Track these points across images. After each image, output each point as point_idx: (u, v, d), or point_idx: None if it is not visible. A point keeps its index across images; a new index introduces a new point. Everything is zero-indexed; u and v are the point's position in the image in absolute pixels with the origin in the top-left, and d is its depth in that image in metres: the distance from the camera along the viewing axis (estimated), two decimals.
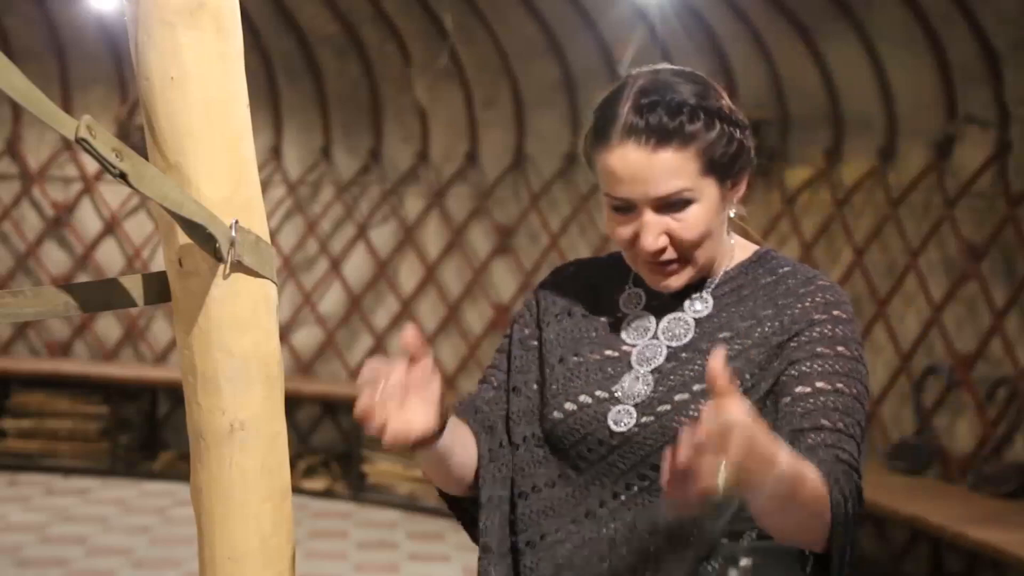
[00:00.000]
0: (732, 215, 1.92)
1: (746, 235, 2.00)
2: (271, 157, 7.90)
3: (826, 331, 1.84)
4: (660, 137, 1.82)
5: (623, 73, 1.95)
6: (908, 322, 6.08)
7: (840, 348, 1.83)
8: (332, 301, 7.93)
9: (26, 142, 8.21)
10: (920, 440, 5.87)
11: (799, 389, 1.80)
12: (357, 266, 7.88)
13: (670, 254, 1.86)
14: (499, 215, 7.52)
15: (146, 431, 8.00)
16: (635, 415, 1.86)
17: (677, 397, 1.85)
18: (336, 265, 7.88)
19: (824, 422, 1.77)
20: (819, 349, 1.83)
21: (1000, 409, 5.66)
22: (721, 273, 1.93)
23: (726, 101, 1.89)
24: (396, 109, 7.70)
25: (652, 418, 1.85)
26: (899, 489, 5.51)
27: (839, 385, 1.81)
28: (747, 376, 1.83)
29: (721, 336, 1.87)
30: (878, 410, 6.06)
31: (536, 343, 2.02)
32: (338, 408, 7.80)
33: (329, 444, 7.83)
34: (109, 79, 8.00)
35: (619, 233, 1.88)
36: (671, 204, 1.84)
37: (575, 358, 1.95)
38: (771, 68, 6.31)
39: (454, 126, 7.58)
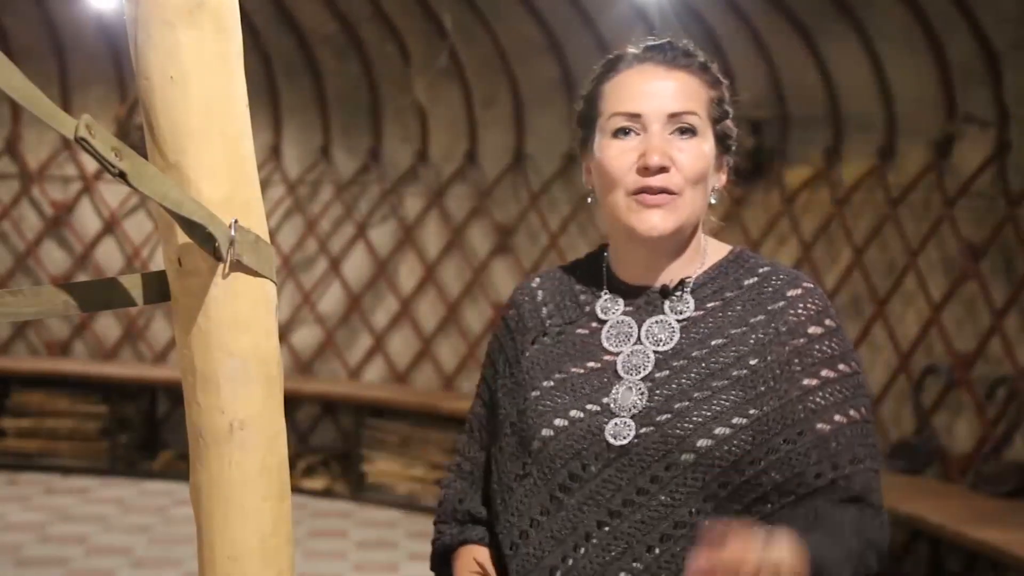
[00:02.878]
0: (713, 202, 1.91)
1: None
2: (271, 157, 7.90)
3: (826, 348, 1.85)
4: (678, 60, 1.88)
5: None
6: (908, 322, 6.08)
7: (842, 366, 1.85)
8: (331, 301, 7.93)
9: (25, 141, 8.21)
10: (919, 440, 5.87)
11: (820, 426, 1.83)
12: (356, 266, 7.88)
13: (668, 180, 1.83)
14: (499, 215, 7.52)
15: (145, 430, 8.00)
16: (633, 427, 1.82)
17: (677, 406, 1.81)
18: (335, 265, 7.88)
19: (847, 469, 1.82)
20: (824, 373, 1.84)
21: (999, 409, 5.66)
22: (699, 273, 1.91)
23: (726, 83, 1.94)
24: (396, 109, 7.70)
25: (652, 428, 1.81)
26: (898, 489, 5.50)
27: (852, 413, 1.85)
28: (753, 385, 1.82)
29: (714, 343, 1.84)
30: (878, 410, 6.06)
31: (509, 379, 1.94)
32: (337, 408, 7.80)
33: (328, 443, 7.83)
34: (108, 79, 8.00)
35: (615, 160, 1.84)
36: (680, 128, 1.85)
37: (558, 375, 1.89)
38: (771, 68, 6.31)
39: (454, 126, 7.58)
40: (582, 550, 1.81)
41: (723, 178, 1.93)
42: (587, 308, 1.93)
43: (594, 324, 1.91)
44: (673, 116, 1.84)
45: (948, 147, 5.88)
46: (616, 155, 1.84)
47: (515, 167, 7.46)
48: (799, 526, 1.74)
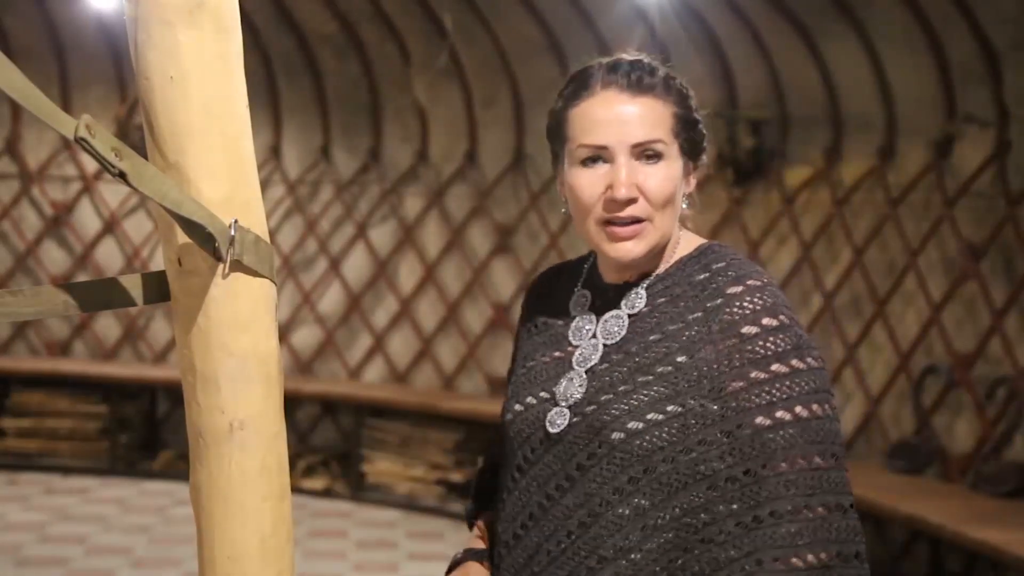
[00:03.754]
0: (685, 206, 1.94)
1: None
2: (270, 156, 7.90)
3: (758, 349, 1.81)
4: (640, 86, 1.89)
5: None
6: (907, 322, 6.08)
7: (776, 366, 1.81)
8: (331, 300, 7.93)
9: (25, 141, 8.21)
10: (919, 440, 5.87)
11: (759, 420, 1.79)
12: (356, 266, 7.88)
13: (637, 210, 1.86)
14: (498, 215, 7.52)
15: (145, 430, 8.01)
16: (568, 416, 1.89)
17: (603, 397, 1.87)
18: (335, 265, 7.88)
19: (783, 465, 1.78)
20: (754, 374, 1.80)
21: (999, 409, 5.66)
22: (661, 269, 1.94)
23: (691, 94, 1.95)
24: (396, 109, 7.70)
25: (580, 418, 1.88)
26: (898, 489, 5.51)
27: (781, 414, 1.79)
28: (675, 382, 1.83)
29: (651, 338, 1.88)
30: (877, 410, 6.07)
31: (513, 365, 2.08)
32: (337, 408, 7.80)
33: (328, 443, 7.83)
34: (108, 79, 8.00)
35: (585, 190, 1.88)
36: (646, 154, 1.87)
37: (530, 363, 2.00)
38: (771, 68, 6.31)
39: (454, 126, 7.58)
40: (525, 529, 1.92)
41: (693, 182, 1.95)
42: (566, 302, 2.02)
43: (567, 317, 2.00)
44: (637, 146, 1.86)
45: (948, 147, 5.88)
46: (585, 185, 1.88)
47: (515, 167, 7.46)
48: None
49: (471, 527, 2.15)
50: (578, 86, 1.92)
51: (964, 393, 5.79)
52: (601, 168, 1.87)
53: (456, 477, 7.01)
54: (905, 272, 6.04)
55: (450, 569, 2.09)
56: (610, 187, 1.86)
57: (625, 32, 6.30)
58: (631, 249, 1.88)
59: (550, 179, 7.31)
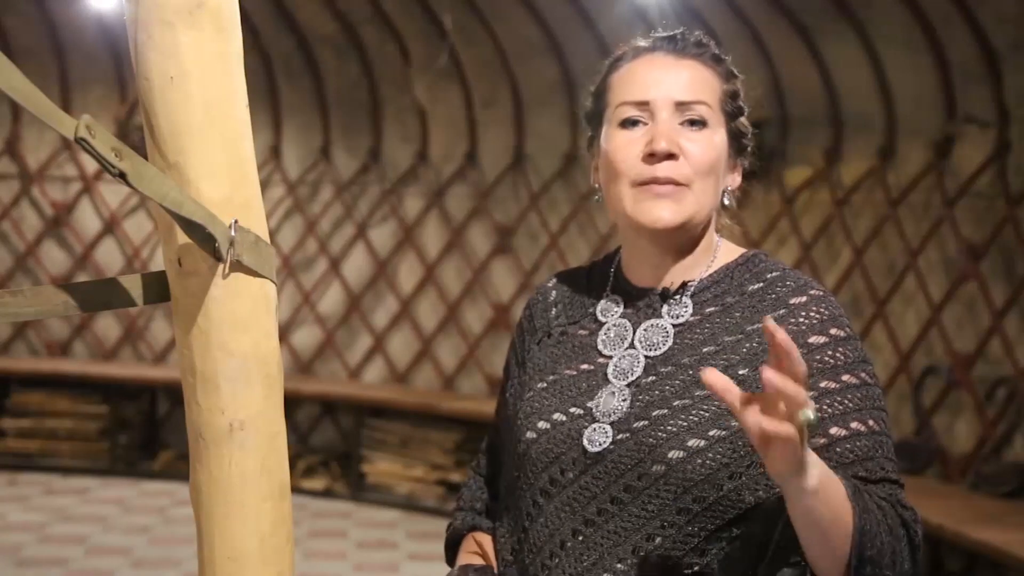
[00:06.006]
0: (726, 203, 1.83)
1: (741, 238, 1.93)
2: (270, 157, 7.91)
3: (827, 359, 1.72)
4: (690, 49, 1.82)
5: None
6: (907, 322, 6.08)
7: (846, 377, 1.72)
8: (331, 301, 7.93)
9: (25, 142, 8.21)
10: (919, 440, 5.87)
11: (816, 439, 1.68)
12: (356, 266, 7.88)
13: (676, 170, 1.75)
14: (499, 215, 7.52)
15: (145, 431, 8.00)
16: (611, 433, 1.74)
17: (655, 413, 1.72)
18: (335, 265, 7.88)
19: (863, 472, 1.69)
20: (824, 384, 1.71)
21: (999, 409, 5.67)
22: (704, 276, 1.82)
23: (740, 79, 1.88)
24: (396, 109, 7.71)
25: (627, 435, 1.72)
26: None
27: (855, 425, 1.71)
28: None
29: (705, 350, 1.75)
30: None
31: (517, 380, 1.92)
32: (337, 408, 7.80)
33: (328, 444, 7.83)
34: (108, 79, 8.00)
35: (621, 150, 1.77)
36: (689, 119, 1.77)
37: (552, 376, 1.84)
38: (771, 68, 6.31)
39: (454, 126, 7.58)
40: (556, 560, 1.74)
41: (737, 179, 1.85)
42: (590, 309, 1.88)
43: (593, 326, 1.86)
44: (681, 104, 1.76)
45: (948, 147, 5.88)
46: (622, 145, 1.77)
47: (515, 167, 7.46)
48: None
49: (457, 539, 1.99)
50: (619, 57, 1.85)
51: (964, 393, 5.79)
52: (641, 130, 1.77)
53: (456, 477, 7.00)
54: (905, 272, 6.04)
55: (452, 539, 1.97)
56: (649, 143, 1.75)
57: (625, 32, 6.29)
58: (665, 214, 1.74)
59: (550, 179, 7.33)
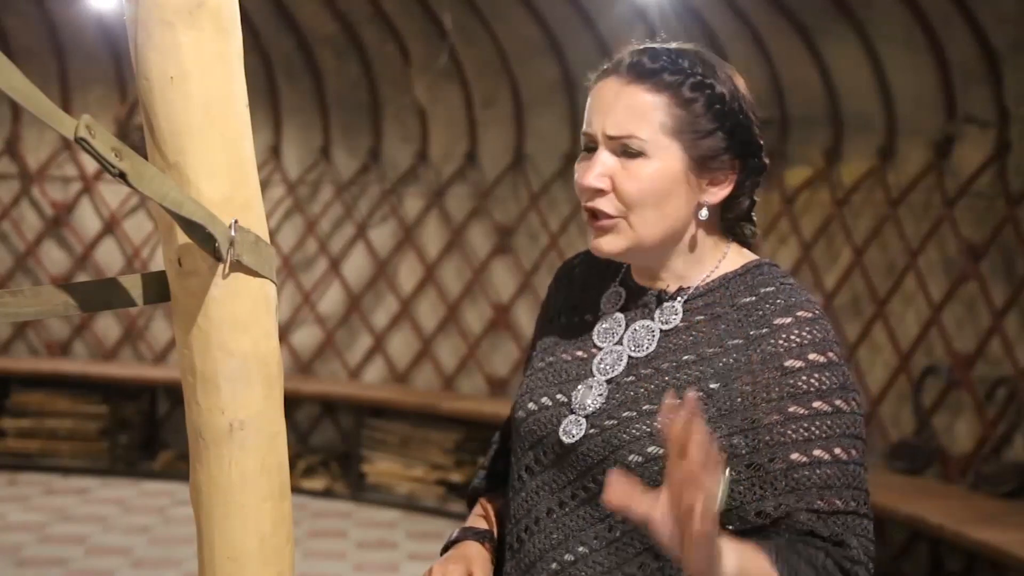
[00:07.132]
0: (704, 215, 1.79)
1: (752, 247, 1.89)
2: (270, 157, 7.90)
3: (800, 384, 1.70)
4: (635, 74, 1.76)
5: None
6: (907, 322, 6.08)
7: (818, 404, 1.70)
8: (331, 301, 7.93)
9: (25, 142, 8.21)
10: (919, 440, 5.87)
11: (794, 457, 1.69)
12: (356, 266, 7.88)
13: (603, 204, 1.76)
14: (499, 215, 7.52)
15: (145, 431, 8.00)
16: (584, 427, 1.78)
17: (624, 413, 1.75)
18: (335, 265, 7.88)
19: (819, 503, 1.68)
20: (792, 409, 1.69)
21: (999, 409, 5.67)
22: (701, 282, 1.82)
23: (733, 95, 1.80)
24: (396, 109, 7.70)
25: (596, 431, 1.76)
26: (898, 489, 5.50)
27: (818, 453, 1.69)
28: (704, 410, 1.69)
29: (684, 358, 1.76)
30: (877, 410, 6.07)
31: (532, 352, 1.97)
32: (337, 408, 7.80)
33: (328, 444, 7.83)
34: (108, 79, 8.00)
35: (576, 178, 1.80)
36: (624, 150, 1.75)
37: (551, 357, 1.89)
38: (771, 68, 6.31)
39: (454, 126, 7.58)
40: (530, 533, 1.83)
41: (720, 192, 1.78)
42: (596, 297, 1.91)
43: (596, 314, 1.89)
44: (612, 139, 1.76)
45: (948, 147, 5.88)
46: (578, 173, 1.80)
47: (515, 167, 7.46)
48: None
49: (472, 503, 2.05)
50: (598, 75, 1.84)
51: (964, 393, 5.79)
52: (593, 156, 1.78)
53: (456, 477, 7.00)
54: (905, 272, 6.04)
55: (446, 548, 2.00)
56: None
57: (625, 32, 6.29)
58: (602, 245, 1.78)
59: (550, 179, 7.33)
